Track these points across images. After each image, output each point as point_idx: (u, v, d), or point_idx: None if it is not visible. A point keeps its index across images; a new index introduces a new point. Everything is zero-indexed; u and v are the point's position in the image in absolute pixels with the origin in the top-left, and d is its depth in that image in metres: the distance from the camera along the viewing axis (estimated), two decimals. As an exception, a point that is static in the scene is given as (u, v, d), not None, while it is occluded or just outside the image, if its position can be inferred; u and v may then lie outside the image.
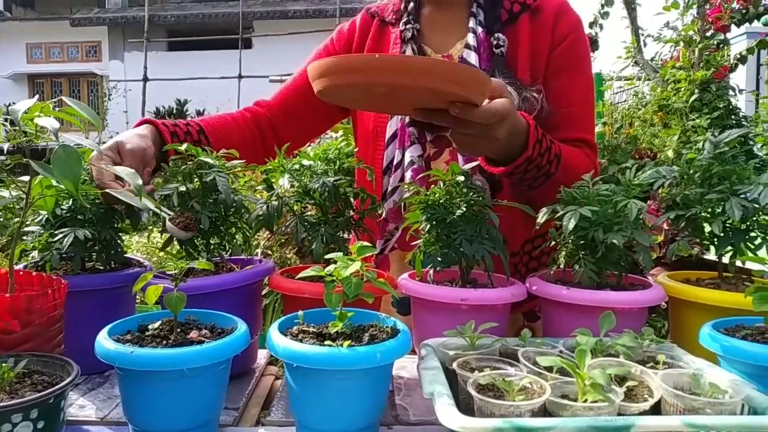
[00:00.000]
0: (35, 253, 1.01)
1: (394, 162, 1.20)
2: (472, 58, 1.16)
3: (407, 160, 1.17)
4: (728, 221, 0.93)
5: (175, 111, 14.18)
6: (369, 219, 1.15)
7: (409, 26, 1.23)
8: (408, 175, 1.15)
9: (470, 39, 1.19)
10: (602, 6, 5.08)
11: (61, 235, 0.94)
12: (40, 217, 0.99)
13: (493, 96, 0.92)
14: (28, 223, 0.98)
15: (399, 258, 1.24)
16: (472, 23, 1.20)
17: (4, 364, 0.69)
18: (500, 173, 1.05)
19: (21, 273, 0.91)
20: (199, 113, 14.23)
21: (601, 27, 5.15)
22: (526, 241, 1.22)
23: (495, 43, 1.17)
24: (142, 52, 14.24)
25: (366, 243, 0.80)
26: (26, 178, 0.82)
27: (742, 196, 0.89)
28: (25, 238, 0.99)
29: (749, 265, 1.00)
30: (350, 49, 1.31)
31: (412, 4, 1.26)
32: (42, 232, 0.98)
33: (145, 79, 13.79)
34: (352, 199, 1.10)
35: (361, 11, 1.36)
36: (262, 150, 1.29)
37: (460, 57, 1.19)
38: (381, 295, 0.96)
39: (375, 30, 1.30)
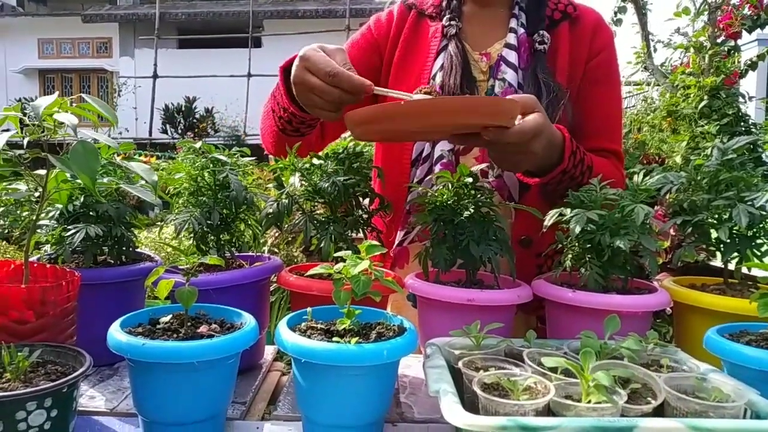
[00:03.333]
0: (48, 247, 1.02)
1: (423, 155, 1.21)
2: (512, 57, 1.19)
3: (437, 153, 1.19)
4: (735, 228, 0.94)
5: (184, 108, 14.26)
6: (378, 219, 1.16)
7: (453, 23, 1.24)
8: (437, 168, 1.17)
9: (510, 39, 1.21)
10: (615, 14, 5.08)
11: (73, 231, 0.95)
12: (54, 211, 1.01)
13: (525, 112, 0.94)
14: (42, 216, 1.00)
15: (419, 250, 1.26)
16: (513, 23, 1.22)
17: (19, 354, 0.71)
18: (536, 184, 1.08)
19: (35, 265, 0.92)
20: (207, 111, 14.32)
21: (614, 34, 5.14)
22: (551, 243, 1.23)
23: (539, 39, 1.20)
24: (152, 49, 14.35)
25: (375, 242, 0.81)
26: (42, 172, 0.84)
27: (749, 203, 0.90)
28: (38, 231, 1.00)
29: (755, 271, 1.01)
30: (388, 37, 1.31)
31: (455, 2, 1.27)
32: (55, 226, 1.00)
33: (155, 76, 13.89)
34: (361, 199, 1.11)
35: (397, 2, 1.36)
36: (318, 144, 1.30)
37: (499, 55, 1.21)
38: (388, 293, 0.98)
39: (411, 22, 1.31)
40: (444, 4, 1.28)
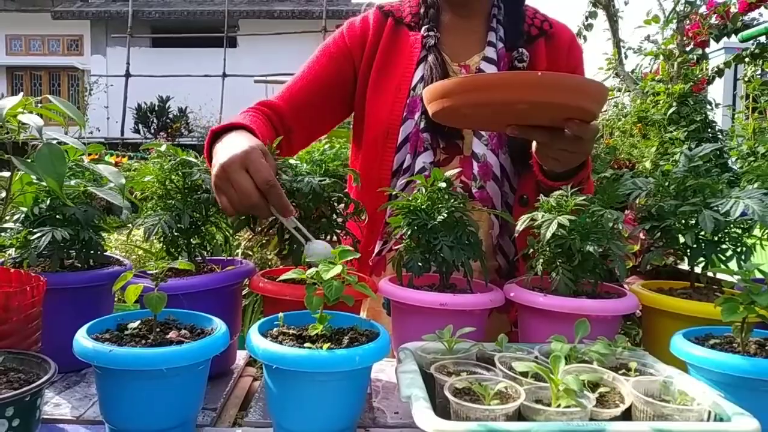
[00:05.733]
0: (12, 251, 1.00)
1: (404, 166, 1.22)
2: (491, 70, 1.20)
3: (419, 165, 1.19)
4: (701, 233, 0.96)
5: (157, 108, 14.04)
6: (353, 223, 1.15)
7: (431, 34, 1.24)
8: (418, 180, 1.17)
9: (489, 52, 1.22)
10: (586, 18, 5.17)
11: (39, 234, 0.93)
12: (19, 214, 0.98)
13: None
14: (6, 219, 0.97)
15: None
16: (491, 37, 1.24)
17: (-21, 362, 0.68)
18: (558, 186, 1.07)
19: (-2, 269, 0.90)
20: (181, 111, 14.12)
21: (585, 39, 5.23)
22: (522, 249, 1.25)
23: (518, 57, 1.22)
24: (125, 48, 14.10)
25: (348, 247, 0.81)
26: (6, 174, 0.82)
27: (715, 208, 0.92)
28: (2, 234, 0.98)
29: (720, 275, 1.03)
30: (364, 45, 1.29)
31: (432, 11, 1.27)
32: (20, 229, 0.97)
33: (128, 75, 13.65)
34: (335, 203, 1.10)
35: (372, 8, 1.35)
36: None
37: (477, 68, 1.22)
38: (361, 298, 0.97)
39: (389, 29, 1.30)
40: (422, 12, 1.28)
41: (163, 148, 1.02)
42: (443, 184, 0.98)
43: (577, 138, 0.95)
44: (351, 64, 1.30)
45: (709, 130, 3.20)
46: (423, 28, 1.26)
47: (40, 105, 0.79)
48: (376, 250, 1.24)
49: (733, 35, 4.25)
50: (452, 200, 0.98)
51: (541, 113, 0.93)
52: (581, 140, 0.96)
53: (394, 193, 1.13)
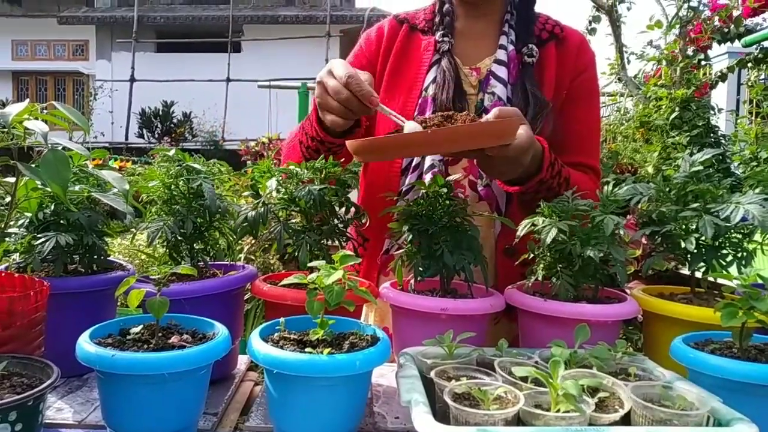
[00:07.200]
0: (17, 255, 1.01)
1: (413, 164, 1.24)
2: (501, 72, 1.23)
3: (427, 163, 1.22)
4: (701, 239, 0.96)
5: (161, 112, 14.11)
6: (366, 228, 1.17)
7: (446, 39, 1.28)
8: (427, 177, 1.20)
9: (500, 54, 1.25)
10: (589, 23, 5.18)
11: (43, 239, 0.94)
12: (24, 219, 0.99)
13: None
14: (11, 224, 0.98)
15: None
16: (503, 41, 1.27)
17: (-17, 366, 0.69)
18: (515, 192, 1.11)
19: (2, 274, 0.91)
20: (185, 116, 14.19)
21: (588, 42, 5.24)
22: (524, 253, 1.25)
23: (527, 53, 1.24)
24: (129, 53, 14.20)
25: (349, 252, 0.82)
26: (11, 179, 0.83)
27: (715, 214, 0.92)
28: (7, 239, 0.99)
29: (721, 281, 1.03)
30: (378, 55, 1.34)
31: (447, 18, 1.31)
32: (25, 234, 0.98)
33: (132, 80, 13.73)
34: (337, 208, 1.11)
35: (388, 17, 1.40)
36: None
37: (489, 71, 1.25)
38: (362, 303, 0.98)
39: (403, 35, 1.34)
40: (437, 20, 1.32)
41: (172, 152, 1.03)
42: (444, 189, 0.99)
43: (502, 157, 0.97)
44: (372, 73, 1.32)
45: (712, 135, 3.20)
46: (438, 34, 1.29)
47: (45, 111, 0.80)
48: (384, 248, 1.25)
49: (737, 40, 4.25)
50: (453, 205, 0.99)
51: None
52: (506, 158, 0.98)
53: (396, 198, 1.14)
